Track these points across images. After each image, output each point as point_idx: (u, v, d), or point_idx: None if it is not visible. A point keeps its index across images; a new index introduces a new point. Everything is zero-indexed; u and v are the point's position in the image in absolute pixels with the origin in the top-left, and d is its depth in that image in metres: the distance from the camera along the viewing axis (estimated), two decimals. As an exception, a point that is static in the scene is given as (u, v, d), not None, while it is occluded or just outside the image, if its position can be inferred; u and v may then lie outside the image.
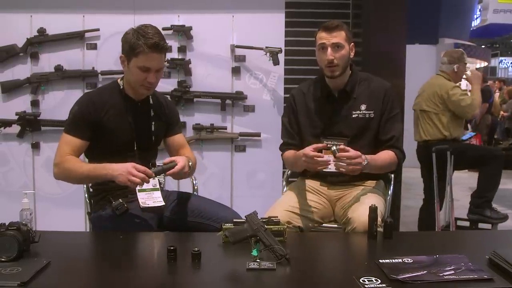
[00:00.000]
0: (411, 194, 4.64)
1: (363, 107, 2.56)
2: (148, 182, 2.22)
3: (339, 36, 2.49)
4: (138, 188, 2.29)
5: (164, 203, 2.35)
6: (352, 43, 2.57)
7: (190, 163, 2.38)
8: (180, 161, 2.29)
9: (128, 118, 2.41)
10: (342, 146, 2.31)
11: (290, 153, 2.63)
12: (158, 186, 2.35)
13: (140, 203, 2.30)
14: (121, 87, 2.44)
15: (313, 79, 2.73)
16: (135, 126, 2.43)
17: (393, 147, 2.55)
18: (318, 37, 2.55)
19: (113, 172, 2.20)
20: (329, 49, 2.49)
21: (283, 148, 2.72)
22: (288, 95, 2.88)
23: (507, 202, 6.19)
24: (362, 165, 2.32)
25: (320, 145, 2.36)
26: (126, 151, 2.40)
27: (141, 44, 2.26)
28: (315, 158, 2.32)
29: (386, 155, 2.52)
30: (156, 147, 2.57)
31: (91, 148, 2.40)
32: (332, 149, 2.28)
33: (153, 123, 2.50)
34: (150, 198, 2.33)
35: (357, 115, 2.56)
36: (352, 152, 2.29)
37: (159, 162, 2.52)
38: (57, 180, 2.40)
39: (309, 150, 2.34)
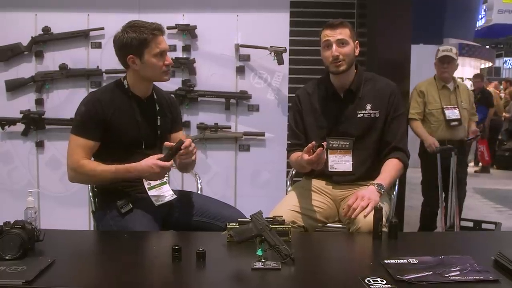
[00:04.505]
0: (415, 195, 4.63)
1: (368, 106, 2.56)
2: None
3: (344, 33, 2.50)
4: (147, 186, 2.31)
5: (175, 196, 2.40)
6: (357, 41, 2.57)
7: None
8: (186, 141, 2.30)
9: (135, 117, 2.42)
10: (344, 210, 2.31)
11: (294, 156, 2.62)
12: (165, 180, 2.37)
13: (154, 201, 2.33)
14: (126, 86, 2.44)
15: (318, 79, 2.73)
16: (142, 124, 2.43)
17: (397, 149, 2.55)
18: (322, 35, 2.55)
19: (141, 174, 2.27)
20: (334, 45, 2.49)
21: (289, 149, 2.72)
22: (292, 95, 2.88)
23: (509, 203, 6.20)
24: (372, 192, 2.33)
25: (310, 146, 2.29)
26: (134, 149, 2.41)
27: (147, 33, 2.30)
28: (316, 158, 2.27)
29: (391, 167, 2.50)
30: (162, 142, 2.57)
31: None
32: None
33: (158, 117, 2.51)
34: (161, 193, 2.36)
35: (362, 114, 2.56)
36: (349, 202, 2.29)
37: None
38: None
39: (306, 157, 2.31)
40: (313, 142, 2.30)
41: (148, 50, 2.32)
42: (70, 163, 2.36)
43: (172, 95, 2.80)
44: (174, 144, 2.28)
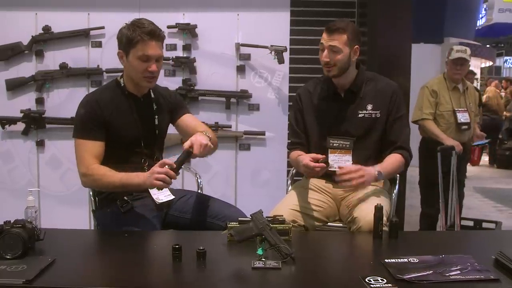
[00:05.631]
0: (416, 194, 4.63)
1: (369, 106, 2.56)
2: (175, 177, 2.20)
3: (338, 40, 2.47)
4: None
5: (174, 196, 2.39)
6: (357, 46, 2.53)
7: (209, 136, 2.36)
8: (196, 142, 2.24)
9: (132, 115, 2.41)
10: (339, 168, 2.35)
11: (294, 155, 2.63)
12: None
13: (155, 199, 2.34)
14: (122, 84, 2.44)
15: (320, 78, 2.72)
16: (140, 122, 2.43)
17: (401, 148, 2.55)
18: (322, 36, 2.54)
19: (145, 179, 2.21)
20: (326, 51, 2.49)
21: (289, 147, 2.72)
22: (293, 94, 2.88)
23: (509, 202, 6.20)
24: (371, 175, 2.35)
25: (319, 156, 2.36)
26: (133, 147, 2.41)
27: (138, 33, 2.27)
28: (313, 168, 2.34)
29: (393, 159, 2.52)
30: (161, 140, 2.57)
31: None
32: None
33: (156, 117, 2.49)
34: (161, 193, 2.36)
35: (363, 114, 2.56)
36: (351, 167, 2.32)
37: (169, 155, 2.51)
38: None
39: (307, 160, 2.35)
40: (324, 156, 2.35)
41: (133, 51, 2.30)
42: (80, 169, 2.33)
43: (167, 87, 2.75)
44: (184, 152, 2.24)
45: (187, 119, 2.59)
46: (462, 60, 4.16)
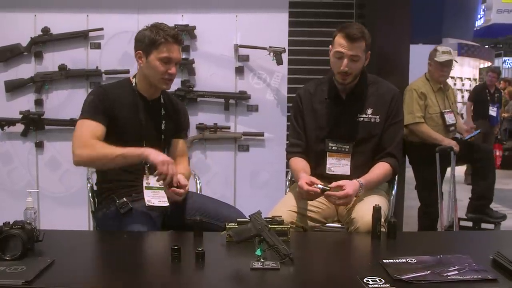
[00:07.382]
0: (415, 194, 4.63)
1: (369, 111, 2.55)
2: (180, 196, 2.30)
3: (359, 48, 2.42)
4: (145, 185, 2.31)
5: (168, 204, 2.36)
6: (369, 52, 2.51)
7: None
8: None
9: (138, 115, 2.43)
10: (333, 185, 2.35)
11: (294, 162, 2.63)
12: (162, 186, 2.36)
13: (146, 201, 2.32)
14: (134, 84, 2.46)
15: (321, 79, 2.71)
16: (145, 124, 2.44)
17: (391, 155, 2.55)
18: (337, 41, 2.45)
19: (155, 155, 2.23)
20: (346, 60, 2.43)
21: (289, 150, 2.70)
22: (291, 95, 2.88)
23: (508, 203, 6.19)
24: (356, 191, 2.37)
25: (317, 181, 2.36)
26: (136, 147, 2.41)
27: (162, 35, 2.32)
28: (307, 191, 2.34)
29: (381, 170, 2.52)
30: (165, 146, 2.57)
31: None
32: (320, 187, 2.33)
33: (163, 122, 2.51)
34: (156, 196, 2.34)
35: (362, 118, 2.55)
36: (341, 193, 2.32)
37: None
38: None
39: (303, 182, 2.35)
40: (322, 185, 2.34)
41: (156, 52, 2.34)
42: (75, 144, 2.28)
43: (183, 102, 2.76)
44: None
45: (179, 145, 2.63)
46: (450, 62, 4.08)
